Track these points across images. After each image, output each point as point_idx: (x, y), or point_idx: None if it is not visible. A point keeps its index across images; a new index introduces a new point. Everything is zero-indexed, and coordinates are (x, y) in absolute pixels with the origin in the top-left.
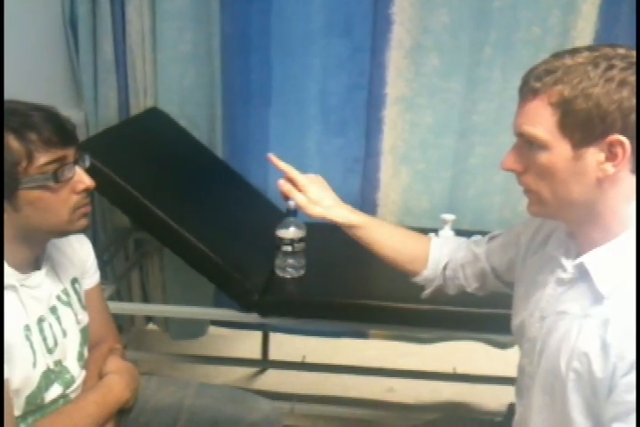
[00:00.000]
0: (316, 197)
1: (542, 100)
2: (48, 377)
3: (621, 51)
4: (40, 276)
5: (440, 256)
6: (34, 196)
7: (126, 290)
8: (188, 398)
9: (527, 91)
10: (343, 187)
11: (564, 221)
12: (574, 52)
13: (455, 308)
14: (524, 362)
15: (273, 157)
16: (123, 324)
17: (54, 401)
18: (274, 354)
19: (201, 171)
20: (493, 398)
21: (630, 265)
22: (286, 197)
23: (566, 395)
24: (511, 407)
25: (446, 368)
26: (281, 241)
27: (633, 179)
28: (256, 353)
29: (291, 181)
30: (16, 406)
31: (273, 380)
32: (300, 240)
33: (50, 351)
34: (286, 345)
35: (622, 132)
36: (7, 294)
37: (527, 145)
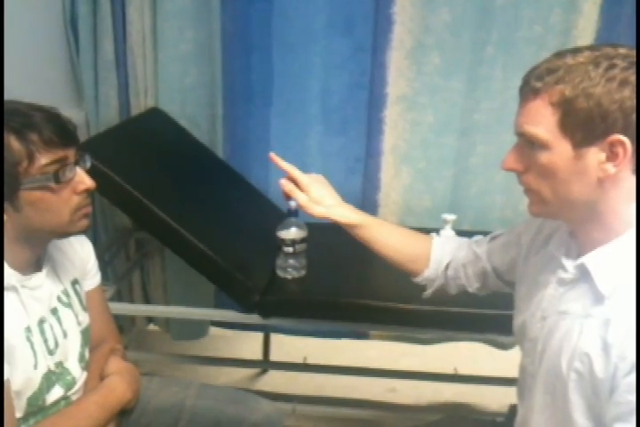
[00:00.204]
0: (318, 196)
1: (543, 100)
2: (49, 379)
3: (623, 50)
4: (41, 277)
5: (442, 256)
6: (35, 196)
7: (127, 290)
8: (190, 398)
9: (528, 90)
10: (344, 186)
11: (564, 221)
12: (576, 51)
13: (456, 308)
14: (526, 362)
15: (275, 157)
16: (124, 324)
17: (55, 403)
18: (275, 355)
19: (202, 171)
20: (495, 399)
21: (631, 265)
22: (287, 197)
23: (567, 395)
24: (512, 408)
25: (448, 369)
26: (282, 242)
27: (634, 179)
28: (257, 354)
29: (292, 180)
30: (17, 408)
31: (274, 381)
32: (302, 241)
33: (51, 353)
34: (287, 346)
35: (623, 132)
36: (8, 295)
37: (528, 145)
